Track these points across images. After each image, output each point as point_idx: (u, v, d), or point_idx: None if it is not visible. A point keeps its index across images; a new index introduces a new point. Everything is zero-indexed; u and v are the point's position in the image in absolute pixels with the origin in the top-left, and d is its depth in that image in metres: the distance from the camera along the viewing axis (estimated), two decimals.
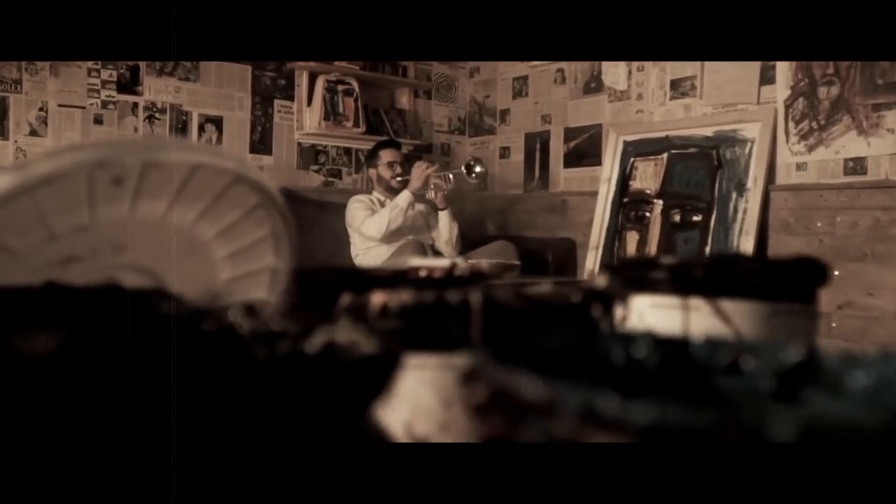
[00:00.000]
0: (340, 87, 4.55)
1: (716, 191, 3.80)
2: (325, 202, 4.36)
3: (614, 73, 4.36)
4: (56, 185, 0.47)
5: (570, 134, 4.61)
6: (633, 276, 0.52)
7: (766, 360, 0.38)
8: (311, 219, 4.11)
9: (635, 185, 4.15)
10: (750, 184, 3.67)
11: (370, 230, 3.96)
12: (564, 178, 4.65)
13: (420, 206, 4.19)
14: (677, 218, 3.94)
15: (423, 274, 0.60)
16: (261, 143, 4.44)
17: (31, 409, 0.39)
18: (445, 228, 4.19)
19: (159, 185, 0.52)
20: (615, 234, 4.16)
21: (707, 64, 3.95)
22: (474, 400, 0.30)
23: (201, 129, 4.24)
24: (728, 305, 0.49)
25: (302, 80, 4.52)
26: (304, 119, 4.54)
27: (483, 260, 3.46)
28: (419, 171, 4.01)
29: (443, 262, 0.61)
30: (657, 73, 4.15)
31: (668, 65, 4.10)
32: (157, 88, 4.11)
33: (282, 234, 0.60)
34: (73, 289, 0.46)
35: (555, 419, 0.27)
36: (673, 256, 0.53)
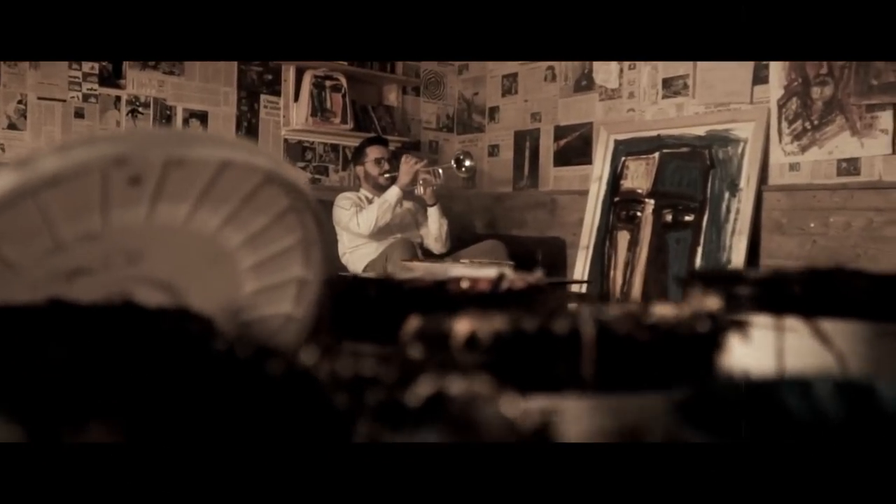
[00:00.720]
0: (328, 83, 4.47)
1: (708, 191, 3.77)
2: None
3: (606, 71, 4.31)
4: (65, 185, 0.40)
5: (560, 132, 4.55)
6: (715, 291, 0.46)
7: None
8: None
9: (626, 184, 4.11)
10: (743, 184, 3.63)
11: (359, 227, 3.88)
12: (554, 176, 4.60)
13: (408, 204, 4.13)
14: (669, 218, 3.90)
15: (465, 285, 0.53)
16: (246, 138, 4.35)
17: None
18: (435, 224, 4.13)
19: (182, 185, 0.45)
20: (606, 234, 4.12)
21: (699, 63, 3.91)
22: None
23: (186, 124, 4.14)
24: (829, 326, 0.43)
25: (289, 76, 4.44)
26: (290, 115, 4.46)
27: (476, 260, 3.40)
28: (407, 166, 3.94)
29: (488, 272, 0.55)
30: (649, 72, 4.10)
31: (661, 63, 4.06)
32: (141, 82, 4.01)
33: (314, 242, 0.53)
34: (81, 307, 0.39)
35: None
36: (761, 269, 0.47)
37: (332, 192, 4.25)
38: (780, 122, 3.60)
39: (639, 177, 4.06)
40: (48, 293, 0.40)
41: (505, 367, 0.35)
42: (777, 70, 3.61)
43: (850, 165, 3.39)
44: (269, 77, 4.42)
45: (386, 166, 4.15)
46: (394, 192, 3.92)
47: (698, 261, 3.70)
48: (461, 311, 0.46)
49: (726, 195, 3.69)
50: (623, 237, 4.06)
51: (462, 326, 0.37)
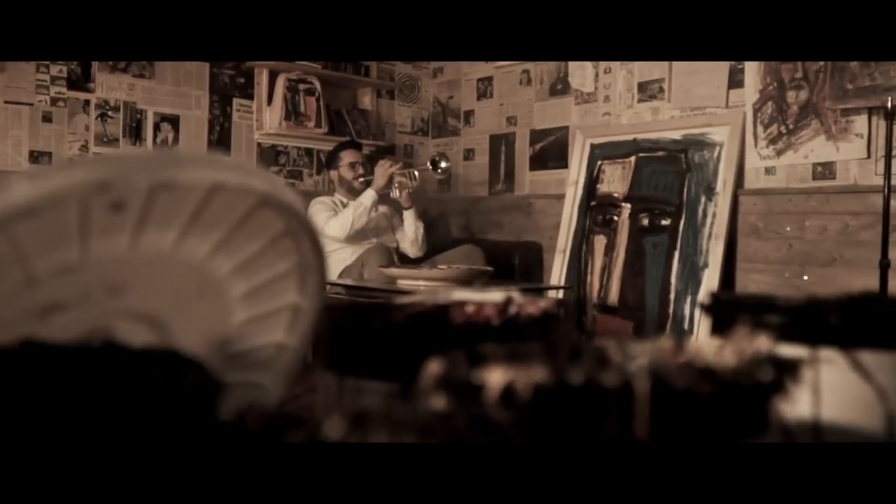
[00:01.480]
0: (302, 87, 4.42)
1: (684, 194, 3.76)
2: None
3: (581, 74, 4.29)
4: (39, 215, 0.36)
5: (535, 136, 4.53)
6: (742, 318, 0.43)
7: None
8: None
9: (603, 188, 4.10)
10: (719, 188, 3.64)
11: (333, 230, 3.83)
12: (530, 180, 4.58)
13: (383, 208, 4.10)
14: (646, 222, 3.90)
15: (470, 310, 0.50)
16: (219, 142, 4.28)
17: None
18: (411, 228, 4.09)
19: (169, 210, 0.40)
20: (582, 238, 4.10)
21: (675, 67, 3.91)
22: None
23: (157, 128, 4.06)
24: (868, 358, 0.40)
25: (262, 79, 4.37)
26: (263, 118, 4.39)
27: (454, 266, 3.37)
28: (382, 169, 3.91)
29: (494, 297, 0.51)
30: (624, 76, 4.10)
31: (636, 67, 4.05)
32: (110, 85, 3.92)
33: (310, 267, 0.49)
34: (58, 347, 0.34)
35: None
36: (793, 297, 0.43)
37: (307, 196, 4.19)
38: (755, 126, 3.60)
39: (615, 181, 4.05)
40: (21, 332, 0.36)
41: (545, 424, 0.31)
42: (752, 74, 3.61)
43: (825, 169, 3.41)
44: (242, 80, 4.35)
45: (360, 170, 4.11)
46: (369, 195, 3.88)
47: (675, 265, 3.69)
48: (470, 343, 0.42)
49: (702, 199, 3.69)
50: (600, 241, 4.05)
51: (496, 378, 0.33)
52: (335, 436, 0.27)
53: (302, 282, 0.50)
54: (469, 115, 4.94)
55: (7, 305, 0.39)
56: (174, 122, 4.12)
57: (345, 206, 4.01)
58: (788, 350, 0.41)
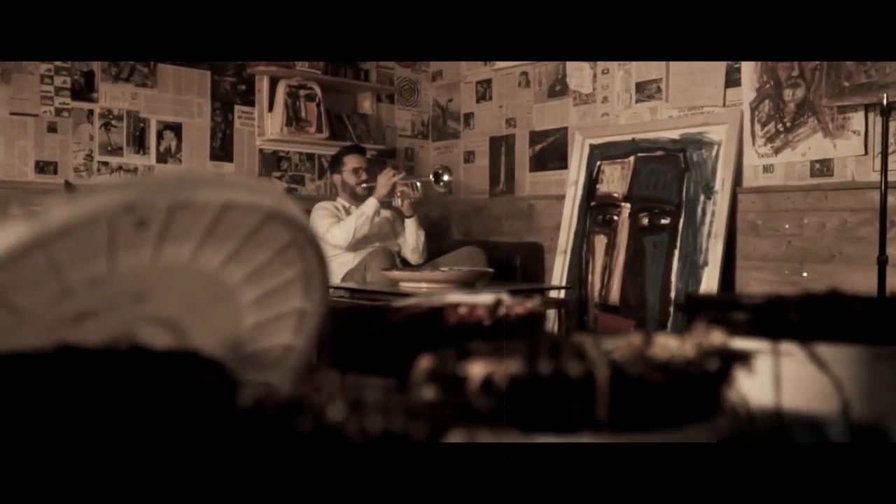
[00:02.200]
0: (302, 92, 4.46)
1: (683, 193, 3.80)
2: None
3: (579, 76, 4.33)
4: (74, 234, 0.41)
5: (535, 137, 4.57)
6: (710, 315, 0.47)
7: None
8: None
9: (602, 188, 4.13)
10: (717, 186, 3.67)
11: (336, 238, 3.87)
12: (530, 181, 4.62)
13: (386, 213, 4.13)
14: (645, 221, 3.93)
15: (463, 312, 0.54)
16: (221, 149, 4.33)
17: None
18: (412, 236, 4.13)
19: (186, 227, 0.45)
20: (583, 238, 4.14)
21: (672, 67, 3.94)
22: None
23: (160, 136, 4.11)
24: (825, 350, 0.44)
25: (263, 86, 4.42)
26: (265, 125, 4.44)
27: (456, 268, 3.41)
28: (385, 178, 3.94)
29: (485, 299, 0.55)
30: (622, 76, 4.14)
31: (634, 68, 4.09)
32: (114, 95, 3.97)
33: (314, 274, 0.54)
34: (89, 350, 0.39)
35: None
36: (756, 294, 0.47)
37: (309, 201, 4.24)
38: (752, 125, 3.64)
39: (614, 181, 4.09)
40: (56, 337, 0.40)
41: (519, 410, 0.36)
42: (749, 73, 3.65)
43: (823, 167, 3.44)
44: (243, 87, 4.40)
45: (364, 175, 4.14)
46: (371, 204, 3.91)
47: (675, 263, 3.73)
48: (463, 342, 0.46)
49: (701, 198, 3.73)
50: (600, 241, 4.09)
51: (477, 370, 0.38)
52: (337, 418, 0.31)
53: (307, 287, 0.55)
54: (469, 117, 4.98)
55: (45, 314, 0.43)
56: (177, 129, 4.17)
57: (347, 210, 4.05)
58: (750, 344, 0.45)
